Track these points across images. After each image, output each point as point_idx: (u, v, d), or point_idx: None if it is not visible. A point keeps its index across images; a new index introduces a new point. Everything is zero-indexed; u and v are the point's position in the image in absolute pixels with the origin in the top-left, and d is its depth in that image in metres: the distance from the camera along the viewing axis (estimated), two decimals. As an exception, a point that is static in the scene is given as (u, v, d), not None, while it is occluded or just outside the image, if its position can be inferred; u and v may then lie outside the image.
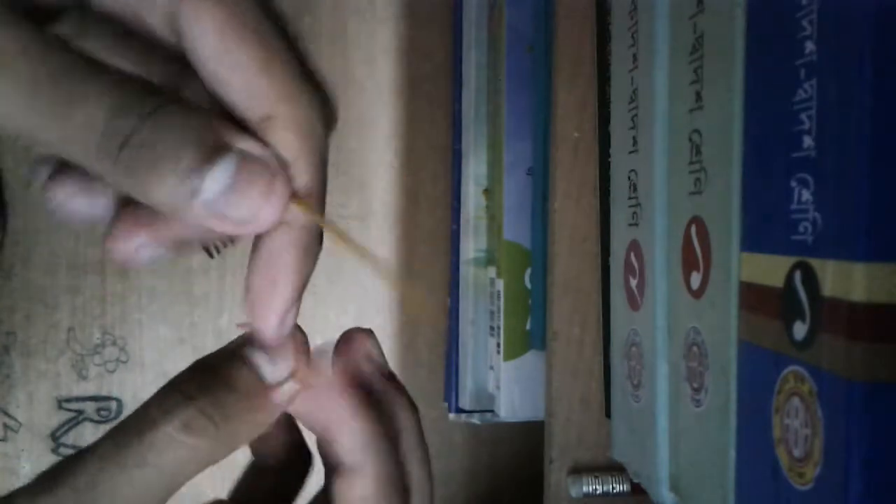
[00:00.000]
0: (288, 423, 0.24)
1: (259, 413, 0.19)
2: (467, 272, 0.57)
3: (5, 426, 0.60)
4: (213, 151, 0.16)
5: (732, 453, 0.25)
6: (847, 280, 0.19)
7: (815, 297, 0.21)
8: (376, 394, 0.22)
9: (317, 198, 0.19)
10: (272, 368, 0.19)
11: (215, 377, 0.19)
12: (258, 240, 0.19)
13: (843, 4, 0.20)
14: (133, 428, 0.18)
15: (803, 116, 0.21)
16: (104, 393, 0.61)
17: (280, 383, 0.19)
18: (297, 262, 0.19)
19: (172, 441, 0.17)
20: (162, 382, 0.22)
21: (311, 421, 0.21)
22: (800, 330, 0.21)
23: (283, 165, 0.17)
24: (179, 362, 0.59)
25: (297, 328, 0.20)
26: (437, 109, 0.64)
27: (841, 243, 0.20)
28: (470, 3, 0.57)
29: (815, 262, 0.21)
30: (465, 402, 0.57)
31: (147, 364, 0.61)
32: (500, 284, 0.50)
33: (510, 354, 0.50)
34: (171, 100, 0.16)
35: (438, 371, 0.64)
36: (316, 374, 0.21)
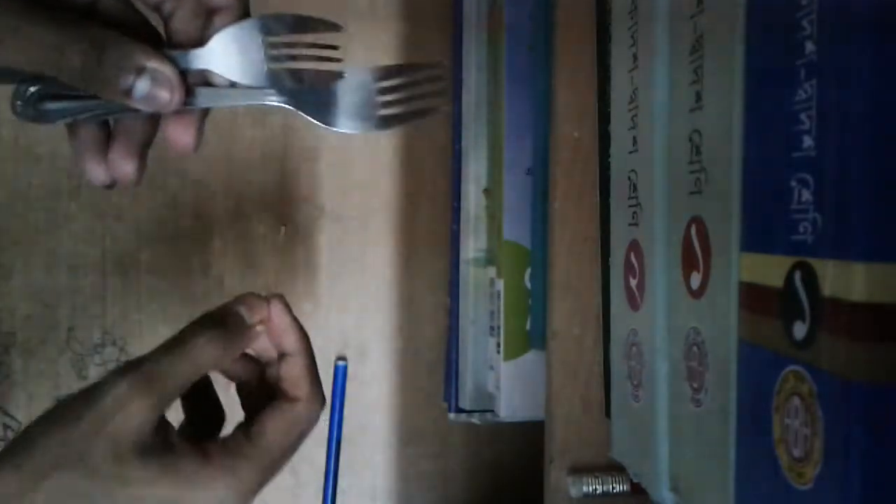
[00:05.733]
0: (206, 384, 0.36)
1: (245, 339, 0.33)
2: (467, 272, 0.57)
3: (5, 426, 0.60)
4: (138, 72, 0.28)
5: (732, 453, 0.25)
6: (847, 280, 0.19)
7: (815, 297, 0.21)
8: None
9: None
10: (250, 315, 0.33)
11: (223, 319, 0.32)
12: None
13: (843, 4, 0.20)
14: (178, 340, 0.31)
15: (803, 116, 0.21)
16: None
17: (254, 324, 0.33)
18: None
19: (201, 348, 0.31)
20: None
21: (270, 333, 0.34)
22: (800, 330, 0.21)
23: (178, 73, 0.29)
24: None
25: (273, 296, 0.34)
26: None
27: (841, 243, 0.20)
28: (470, 3, 0.57)
29: (815, 262, 0.21)
30: (465, 402, 0.57)
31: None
32: (500, 284, 0.50)
33: (510, 354, 0.50)
34: (108, 45, 0.27)
35: (438, 371, 0.64)
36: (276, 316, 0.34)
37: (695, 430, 0.28)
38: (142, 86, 0.28)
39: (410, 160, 0.65)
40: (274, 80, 0.30)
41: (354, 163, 0.64)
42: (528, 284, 0.50)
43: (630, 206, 0.34)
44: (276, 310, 0.34)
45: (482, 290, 0.56)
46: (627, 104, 0.34)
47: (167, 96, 0.28)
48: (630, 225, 0.34)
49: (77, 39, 0.27)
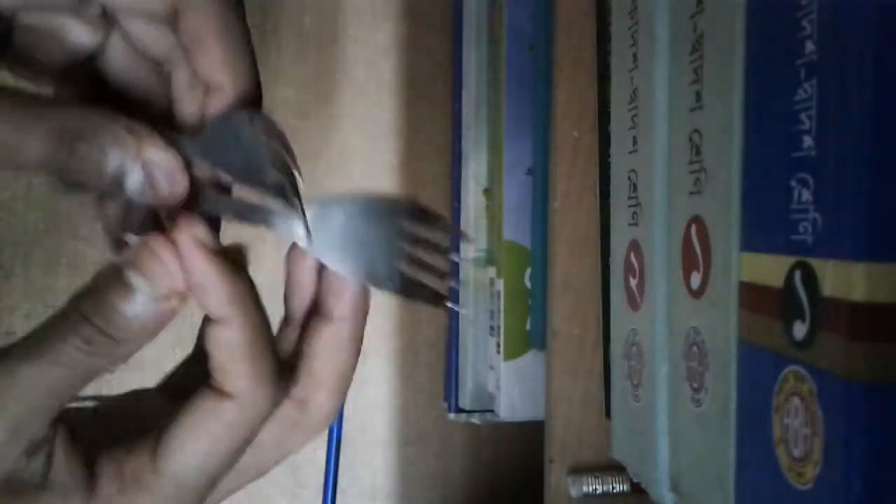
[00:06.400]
0: None
1: (147, 327, 0.23)
2: (467, 272, 0.57)
3: (5, 426, 0.60)
4: (128, 162, 0.22)
5: (732, 453, 0.25)
6: (847, 280, 0.19)
7: (815, 296, 0.21)
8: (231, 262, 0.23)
9: (235, 67, 0.23)
10: (154, 279, 0.22)
11: (109, 299, 0.23)
12: None
13: (843, 4, 0.20)
14: (47, 337, 0.22)
15: (803, 116, 0.21)
16: (104, 393, 0.61)
17: (164, 298, 0.22)
18: None
19: (78, 351, 0.22)
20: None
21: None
22: (800, 330, 0.21)
23: (180, 162, 0.22)
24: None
25: (181, 228, 0.22)
26: (437, 109, 0.64)
27: (841, 243, 0.20)
28: (470, 3, 0.57)
29: (815, 262, 0.21)
30: (465, 401, 0.57)
31: (147, 364, 0.61)
32: (500, 284, 0.50)
33: (510, 354, 0.50)
34: (85, 130, 0.21)
35: (438, 371, 0.64)
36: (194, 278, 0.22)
37: (695, 430, 0.28)
38: (135, 177, 0.22)
39: (410, 160, 0.65)
40: (280, 196, 0.23)
41: (354, 163, 0.64)
42: (528, 284, 0.50)
43: (630, 206, 0.34)
44: (189, 255, 0.22)
45: (482, 290, 0.56)
46: (627, 104, 0.34)
47: (166, 188, 0.22)
48: (630, 225, 0.34)
49: (41, 123, 0.20)
